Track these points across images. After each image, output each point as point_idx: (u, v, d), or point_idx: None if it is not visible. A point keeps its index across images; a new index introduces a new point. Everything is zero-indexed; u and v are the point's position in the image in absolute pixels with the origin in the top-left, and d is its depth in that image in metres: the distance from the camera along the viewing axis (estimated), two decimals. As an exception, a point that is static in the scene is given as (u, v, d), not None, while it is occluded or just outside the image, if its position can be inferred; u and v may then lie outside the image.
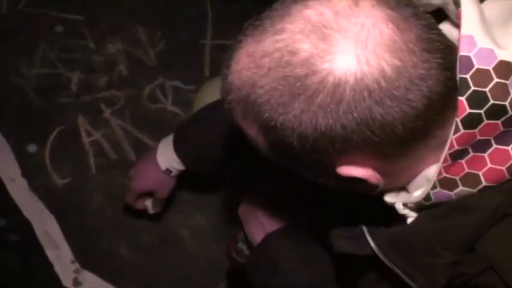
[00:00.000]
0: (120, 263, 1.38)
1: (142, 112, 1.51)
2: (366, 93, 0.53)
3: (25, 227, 1.37)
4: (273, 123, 0.57)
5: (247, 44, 0.58)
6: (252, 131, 0.62)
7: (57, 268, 1.34)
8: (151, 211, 1.26)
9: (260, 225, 0.92)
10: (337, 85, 0.53)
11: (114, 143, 1.47)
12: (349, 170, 0.60)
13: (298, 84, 0.54)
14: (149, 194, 1.23)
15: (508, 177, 0.57)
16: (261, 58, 0.56)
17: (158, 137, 1.47)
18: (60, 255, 1.36)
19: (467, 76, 0.54)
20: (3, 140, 1.45)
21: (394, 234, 0.64)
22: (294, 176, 0.69)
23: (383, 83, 0.53)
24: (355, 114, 0.54)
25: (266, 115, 0.57)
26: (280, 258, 0.87)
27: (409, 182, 0.64)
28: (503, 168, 0.57)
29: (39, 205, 1.39)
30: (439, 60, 0.55)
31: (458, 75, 0.55)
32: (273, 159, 0.65)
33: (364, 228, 0.65)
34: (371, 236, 0.65)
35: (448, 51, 0.56)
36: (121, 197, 1.41)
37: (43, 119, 1.47)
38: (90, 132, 1.47)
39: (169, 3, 1.60)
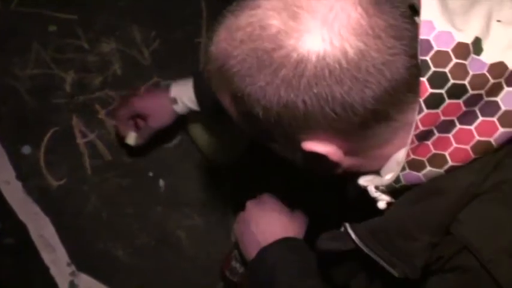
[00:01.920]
0: (116, 264, 1.37)
1: (138, 112, 1.49)
2: (326, 72, 0.57)
3: (20, 230, 1.35)
4: (241, 94, 0.62)
5: (228, 18, 0.62)
6: (225, 101, 0.66)
7: (53, 271, 1.33)
8: (131, 142, 1.23)
9: (255, 241, 0.91)
10: (299, 61, 0.57)
11: (110, 144, 1.45)
12: (312, 146, 0.64)
13: (265, 56, 0.58)
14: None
15: (473, 156, 0.59)
16: (236, 31, 0.60)
17: (154, 137, 1.46)
18: (56, 258, 1.34)
19: (428, 58, 0.57)
20: (-3, 142, 1.44)
21: (374, 224, 0.66)
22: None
23: (344, 64, 0.57)
24: (315, 91, 0.58)
25: (236, 85, 0.62)
26: (277, 271, 0.86)
27: (381, 166, 0.67)
28: (468, 147, 0.59)
29: (34, 208, 1.38)
30: (405, 48, 0.58)
31: (420, 58, 0.57)
32: (245, 130, 0.69)
33: (347, 224, 0.68)
34: (353, 229, 0.67)
35: (416, 39, 0.59)
36: (117, 198, 1.41)
37: (37, 120, 1.46)
38: (85, 133, 1.46)
39: (164, 2, 1.59)
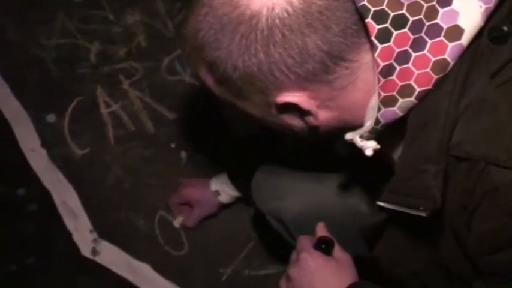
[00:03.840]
0: (137, 234, 1.38)
1: (161, 84, 1.50)
2: (277, 21, 0.64)
3: (44, 197, 1.38)
4: (213, 60, 0.69)
5: (195, 4, 0.70)
6: (203, 75, 0.73)
7: (76, 238, 1.35)
8: (176, 224, 1.38)
9: None
10: (253, 16, 0.65)
11: (133, 115, 1.47)
12: (282, 97, 0.70)
13: (225, 19, 0.66)
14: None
15: (434, 76, 0.65)
16: (201, 8, 0.68)
17: (176, 109, 1.48)
18: (78, 225, 1.37)
19: (364, 2, 0.64)
20: (23, 110, 1.45)
21: (391, 182, 0.71)
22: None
23: (291, 11, 0.64)
24: (271, 40, 0.65)
25: (207, 54, 0.69)
26: None
27: (361, 119, 0.72)
28: (428, 70, 0.65)
29: (58, 175, 1.40)
30: None
31: (358, 5, 0.64)
32: (227, 101, 0.74)
33: (378, 202, 0.72)
34: (380, 200, 0.72)
35: None
36: (139, 169, 1.42)
37: (62, 89, 1.47)
38: (109, 104, 1.47)
39: (189, -26, 1.58)
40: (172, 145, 1.46)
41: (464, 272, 0.74)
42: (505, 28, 0.65)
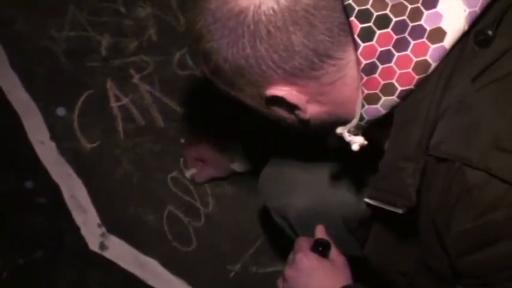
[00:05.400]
0: (146, 229, 1.38)
1: (172, 78, 1.49)
2: (263, 18, 0.66)
3: (53, 190, 1.38)
4: (207, 51, 0.71)
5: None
6: (201, 65, 0.75)
7: (84, 232, 1.35)
8: (187, 175, 1.40)
9: None
10: (241, 12, 0.67)
11: (143, 109, 1.46)
12: (271, 91, 0.72)
13: (218, 13, 0.68)
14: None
15: (416, 76, 0.66)
16: (200, 0, 0.71)
17: (187, 104, 1.47)
18: (87, 219, 1.36)
19: (350, 1, 0.65)
20: (33, 103, 1.45)
21: (374, 179, 0.73)
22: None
23: (277, 9, 0.66)
24: (258, 35, 0.67)
25: (202, 45, 0.71)
26: None
27: (354, 113, 0.72)
28: (410, 70, 0.66)
29: (67, 169, 1.40)
30: None
31: (344, 4, 0.66)
32: (224, 91, 0.76)
33: (365, 199, 0.75)
34: (366, 196, 0.74)
35: None
36: (148, 163, 1.42)
37: (72, 82, 1.47)
38: (119, 97, 1.46)
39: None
40: (182, 140, 1.45)
41: (448, 275, 0.74)
42: (490, 32, 0.66)
